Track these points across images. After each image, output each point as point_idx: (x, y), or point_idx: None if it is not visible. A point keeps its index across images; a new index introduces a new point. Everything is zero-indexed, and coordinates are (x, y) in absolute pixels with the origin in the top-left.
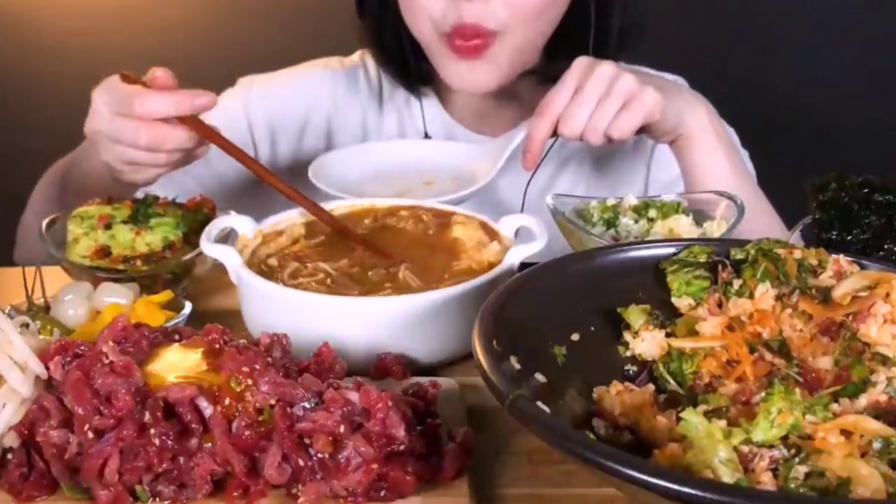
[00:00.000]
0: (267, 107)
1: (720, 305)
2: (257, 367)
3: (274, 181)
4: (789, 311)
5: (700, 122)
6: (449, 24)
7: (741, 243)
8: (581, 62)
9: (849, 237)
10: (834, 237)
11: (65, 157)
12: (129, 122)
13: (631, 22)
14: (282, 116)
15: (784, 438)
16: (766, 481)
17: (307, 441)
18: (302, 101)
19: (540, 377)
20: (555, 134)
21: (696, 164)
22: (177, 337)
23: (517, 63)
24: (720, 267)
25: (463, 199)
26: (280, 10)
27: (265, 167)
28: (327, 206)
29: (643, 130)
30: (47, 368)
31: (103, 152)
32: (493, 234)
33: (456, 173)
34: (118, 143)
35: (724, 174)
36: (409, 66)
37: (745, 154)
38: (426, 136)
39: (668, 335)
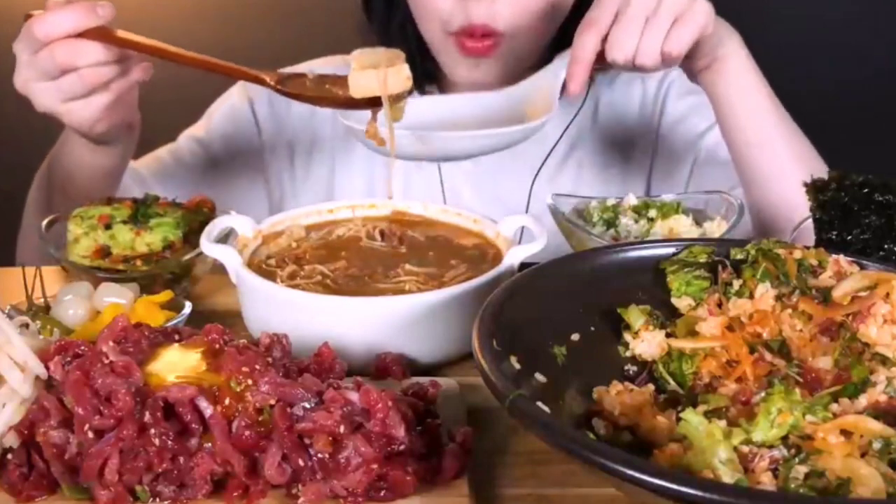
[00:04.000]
0: (273, 105)
1: (720, 305)
2: (257, 367)
3: (194, 59)
4: (789, 311)
5: (736, 42)
6: (457, 24)
7: (741, 243)
8: None
9: (849, 237)
10: (834, 237)
11: (44, 161)
12: (41, 52)
13: None
14: (287, 114)
15: (784, 438)
16: (766, 481)
17: (307, 441)
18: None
19: (540, 377)
20: (592, 76)
21: (731, 85)
22: (177, 337)
23: (523, 61)
24: (720, 267)
25: (522, 136)
26: (281, 11)
27: (185, 53)
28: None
29: (687, 56)
30: (47, 368)
31: (39, 101)
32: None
33: (483, 124)
34: (42, 79)
35: (761, 96)
36: (416, 64)
37: None
38: None
39: (668, 335)
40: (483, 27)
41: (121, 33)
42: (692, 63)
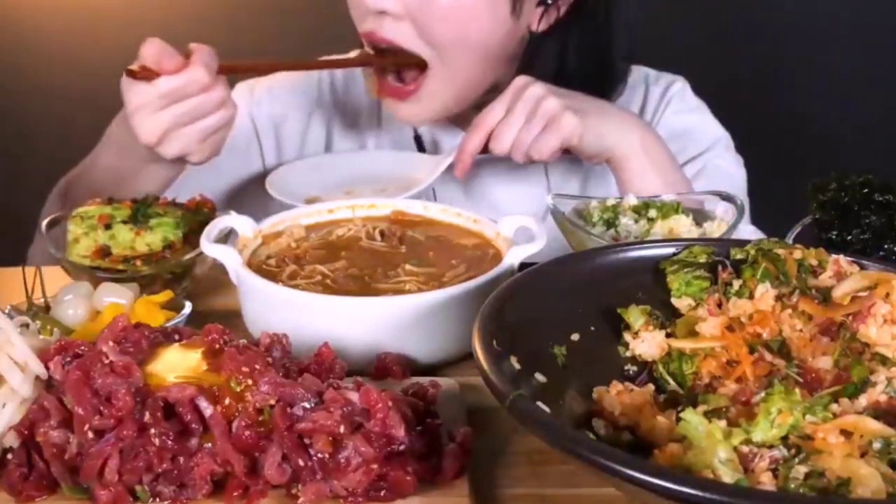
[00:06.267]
0: (270, 109)
1: (720, 306)
2: (257, 367)
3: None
4: (789, 311)
5: (630, 146)
6: (363, 29)
7: (741, 243)
8: (517, 81)
9: (849, 237)
10: (834, 237)
11: (68, 175)
12: (192, 101)
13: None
14: (284, 117)
15: (784, 438)
16: (766, 481)
17: (307, 441)
18: (303, 102)
19: (540, 377)
20: (486, 150)
21: (626, 185)
22: (177, 337)
23: (457, 98)
24: (720, 267)
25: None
26: (279, 13)
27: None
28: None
29: (571, 152)
30: (47, 368)
31: (177, 146)
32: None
33: (407, 182)
34: (183, 125)
35: (656, 188)
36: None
37: (738, 160)
38: (416, 135)
39: (668, 335)
40: (384, 39)
41: (231, 65)
42: (583, 160)
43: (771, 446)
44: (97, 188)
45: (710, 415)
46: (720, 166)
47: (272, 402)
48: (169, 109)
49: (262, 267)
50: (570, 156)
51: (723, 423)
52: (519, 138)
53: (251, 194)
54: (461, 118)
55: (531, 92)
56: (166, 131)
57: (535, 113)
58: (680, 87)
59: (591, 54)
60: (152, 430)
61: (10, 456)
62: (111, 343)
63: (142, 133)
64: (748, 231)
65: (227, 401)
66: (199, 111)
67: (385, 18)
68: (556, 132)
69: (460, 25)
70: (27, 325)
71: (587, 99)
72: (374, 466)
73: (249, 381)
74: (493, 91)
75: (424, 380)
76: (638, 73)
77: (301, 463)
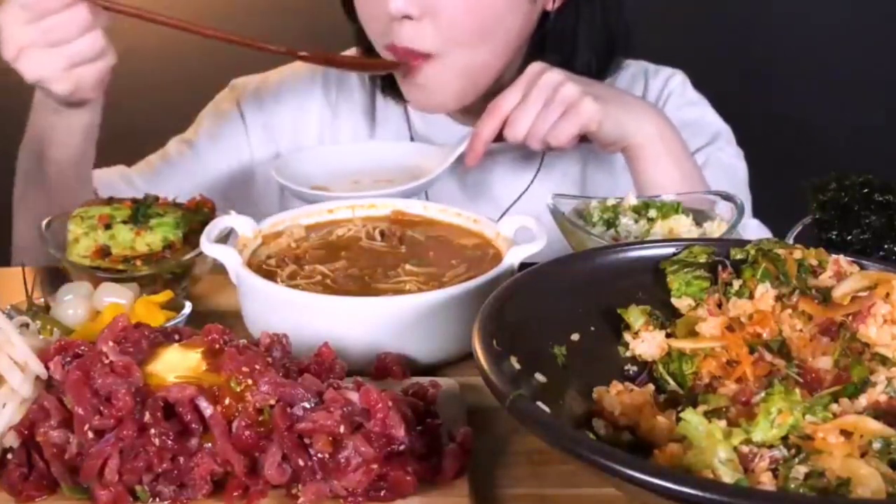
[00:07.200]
0: (261, 106)
1: (720, 306)
2: (257, 367)
3: (183, 25)
4: (789, 311)
5: (647, 135)
6: (385, 42)
7: (741, 243)
8: (533, 68)
9: (849, 237)
10: (834, 237)
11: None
12: (55, 18)
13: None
14: (275, 115)
15: (784, 438)
16: (766, 481)
17: (307, 441)
18: (295, 99)
19: (540, 377)
20: (501, 137)
21: (641, 174)
22: (177, 337)
23: (471, 83)
24: (720, 267)
25: (409, 192)
26: (279, 13)
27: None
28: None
29: (588, 139)
30: (47, 368)
31: (37, 68)
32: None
33: (414, 172)
34: (45, 45)
35: (672, 186)
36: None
37: (740, 153)
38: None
39: (668, 335)
40: (406, 49)
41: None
42: (599, 147)
43: (771, 446)
44: (27, 153)
45: (710, 415)
46: (722, 160)
47: (272, 402)
48: (31, 25)
49: (262, 267)
50: (567, 151)
51: (723, 423)
52: (535, 125)
53: (239, 186)
54: (465, 113)
55: (548, 78)
56: (24, 46)
57: (554, 99)
58: (680, 81)
59: (602, 30)
60: (152, 430)
61: (10, 456)
62: (111, 343)
63: (4, 49)
64: (753, 225)
65: (227, 401)
66: (60, 30)
67: (405, 24)
68: (575, 118)
69: (480, 17)
70: (27, 325)
71: (604, 86)
72: (374, 466)
73: (249, 381)
74: (497, 83)
75: (424, 380)
76: (637, 66)
77: (301, 463)
